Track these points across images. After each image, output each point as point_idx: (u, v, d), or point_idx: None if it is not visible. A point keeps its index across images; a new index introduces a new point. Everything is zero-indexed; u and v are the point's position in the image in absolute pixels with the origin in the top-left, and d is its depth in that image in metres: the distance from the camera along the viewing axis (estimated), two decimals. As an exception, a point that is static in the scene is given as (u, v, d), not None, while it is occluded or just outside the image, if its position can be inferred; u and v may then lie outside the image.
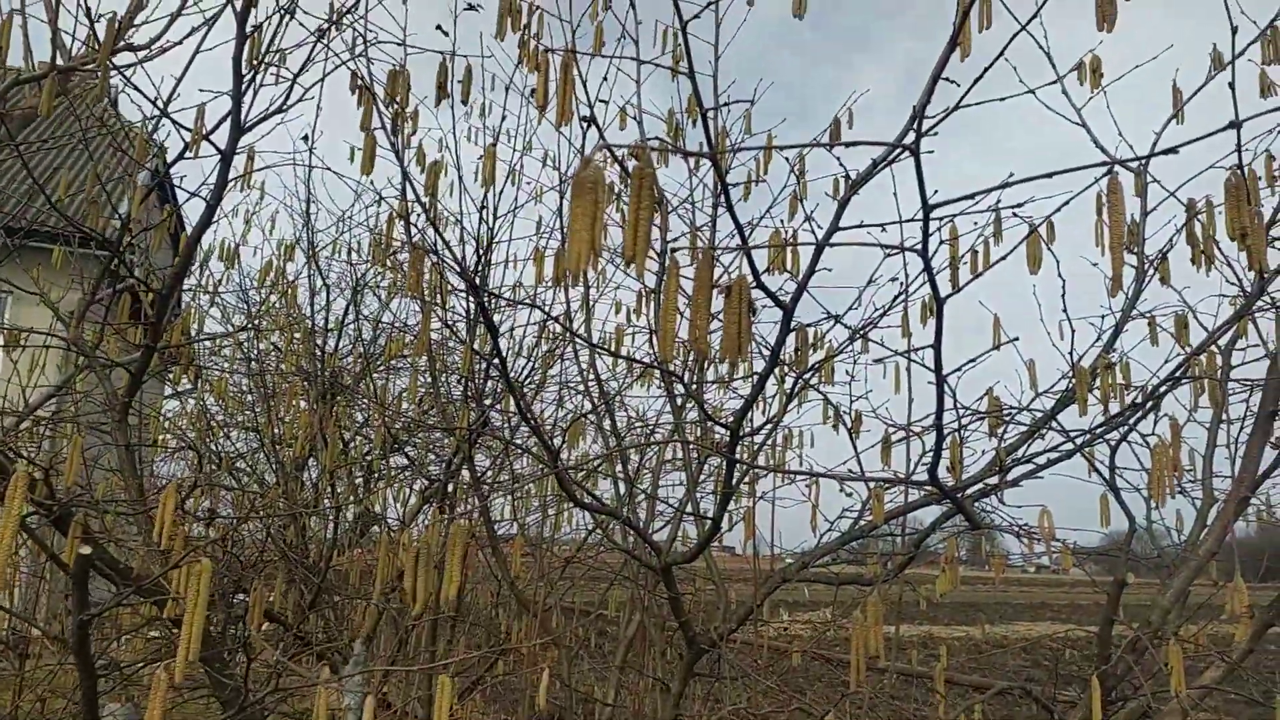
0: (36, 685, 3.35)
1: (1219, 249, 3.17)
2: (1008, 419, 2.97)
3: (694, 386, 4.13)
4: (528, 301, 2.96)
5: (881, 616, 2.04)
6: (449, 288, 3.20)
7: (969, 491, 2.59)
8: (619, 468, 4.16)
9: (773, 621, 5.74)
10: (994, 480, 2.62)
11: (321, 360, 5.42)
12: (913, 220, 1.97)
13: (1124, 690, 2.89)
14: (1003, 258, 2.41)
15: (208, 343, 6.19)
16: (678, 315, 1.45)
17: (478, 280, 3.22)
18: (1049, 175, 1.42)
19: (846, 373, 4.04)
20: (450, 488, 5.07)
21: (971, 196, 1.45)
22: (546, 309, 3.32)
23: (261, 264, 5.41)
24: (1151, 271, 3.02)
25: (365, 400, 5.71)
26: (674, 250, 1.41)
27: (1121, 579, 2.66)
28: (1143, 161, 1.53)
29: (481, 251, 3.42)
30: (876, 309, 2.94)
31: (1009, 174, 2.66)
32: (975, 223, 2.67)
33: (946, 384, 1.75)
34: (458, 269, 2.33)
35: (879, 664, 4.58)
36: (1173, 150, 1.37)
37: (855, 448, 3.11)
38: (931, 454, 1.93)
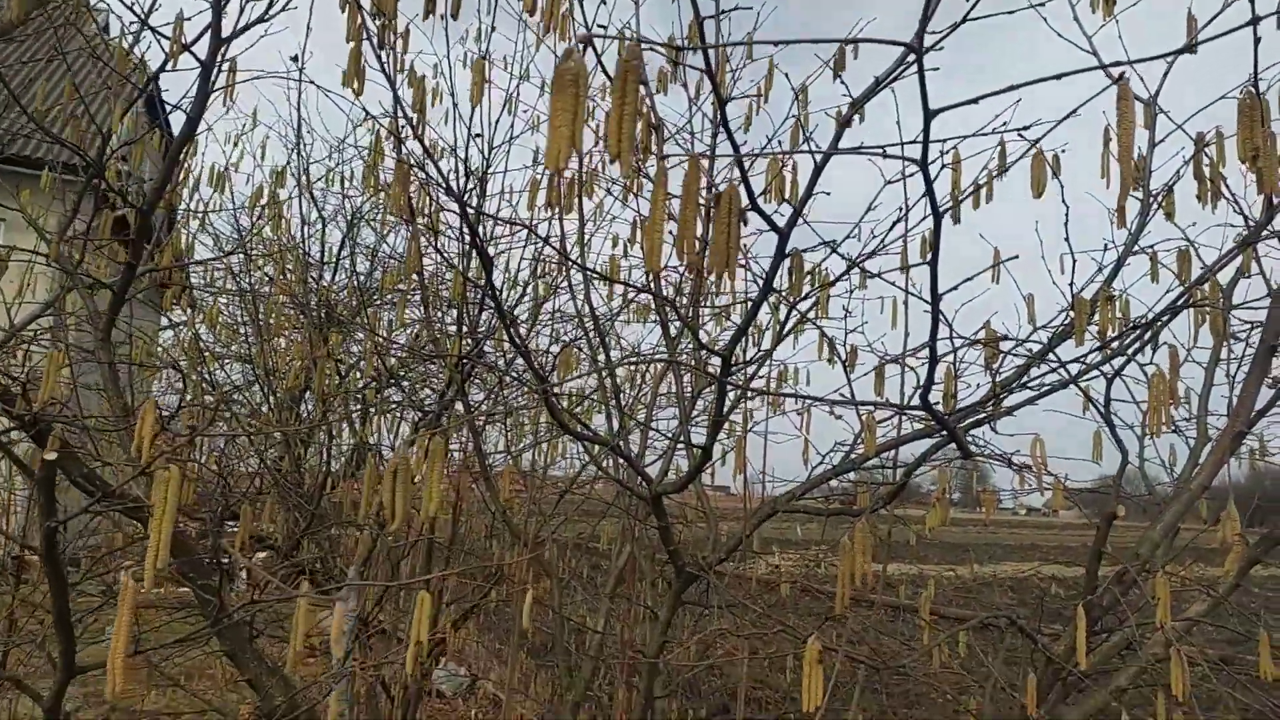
0: (31, 606, 3.37)
1: (1226, 185, 3.10)
2: (1005, 351, 2.93)
3: (689, 316, 4.09)
4: (518, 221, 2.89)
5: (868, 544, 2.02)
6: (438, 208, 3.11)
7: (964, 423, 2.56)
8: (612, 400, 4.14)
9: (763, 555, 5.79)
10: (989, 410, 2.58)
11: (315, 290, 5.36)
12: (914, 142, 1.91)
13: (1109, 623, 2.91)
14: (1004, 169, 2.33)
15: (199, 269, 6.13)
16: (665, 228, 1.39)
17: (469, 203, 3.15)
18: (1057, 77, 1.35)
19: (843, 308, 4.01)
20: (444, 419, 5.06)
21: (975, 101, 1.38)
22: (540, 234, 3.24)
23: (253, 190, 5.29)
24: (1156, 206, 2.95)
25: (360, 333, 5.66)
26: (663, 158, 1.35)
27: (1112, 512, 2.65)
28: (1152, 77, 1.45)
29: (468, 176, 3.31)
30: (875, 236, 2.88)
31: (1017, 100, 2.58)
32: (979, 150, 2.58)
33: (941, 308, 1.70)
34: (444, 186, 2.26)
35: (869, 597, 4.63)
36: (1190, 49, 1.30)
37: (849, 380, 3.08)
38: (924, 382, 1.89)
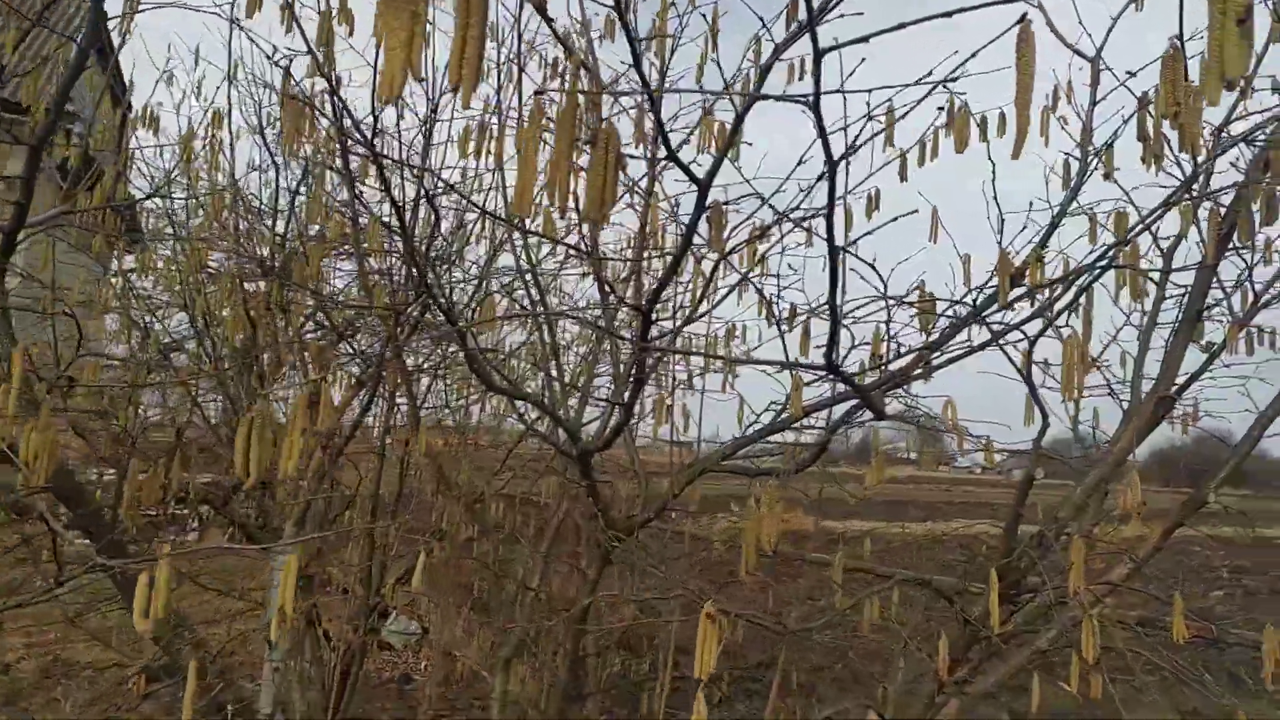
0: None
1: (1168, 145, 3.04)
2: (939, 314, 2.87)
3: (629, 275, 3.99)
4: (430, 170, 2.77)
5: (777, 506, 1.97)
6: (345, 144, 2.96)
7: (881, 384, 2.51)
8: (551, 357, 4.05)
9: (695, 517, 5.78)
10: (900, 371, 2.53)
11: (263, 238, 5.18)
12: (856, 90, 1.82)
13: (1032, 584, 2.91)
14: (903, 115, 2.25)
15: (144, 215, 5.92)
16: (538, 168, 1.30)
17: (390, 156, 3.01)
18: (947, 14, 1.27)
19: (788, 265, 3.94)
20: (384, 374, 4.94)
21: (865, 39, 1.30)
22: (448, 182, 3.11)
23: (186, 130, 5.05)
24: (1095, 163, 2.89)
25: (301, 286, 5.49)
26: (539, 93, 1.25)
27: (1031, 474, 2.63)
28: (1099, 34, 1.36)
29: (375, 116, 3.13)
30: (802, 191, 2.79)
31: (954, 51, 2.49)
32: (910, 99, 2.49)
33: (879, 268, 1.63)
34: (335, 123, 2.12)
35: (804, 555, 4.64)
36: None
37: (783, 339, 3.02)
38: (828, 342, 1.83)
